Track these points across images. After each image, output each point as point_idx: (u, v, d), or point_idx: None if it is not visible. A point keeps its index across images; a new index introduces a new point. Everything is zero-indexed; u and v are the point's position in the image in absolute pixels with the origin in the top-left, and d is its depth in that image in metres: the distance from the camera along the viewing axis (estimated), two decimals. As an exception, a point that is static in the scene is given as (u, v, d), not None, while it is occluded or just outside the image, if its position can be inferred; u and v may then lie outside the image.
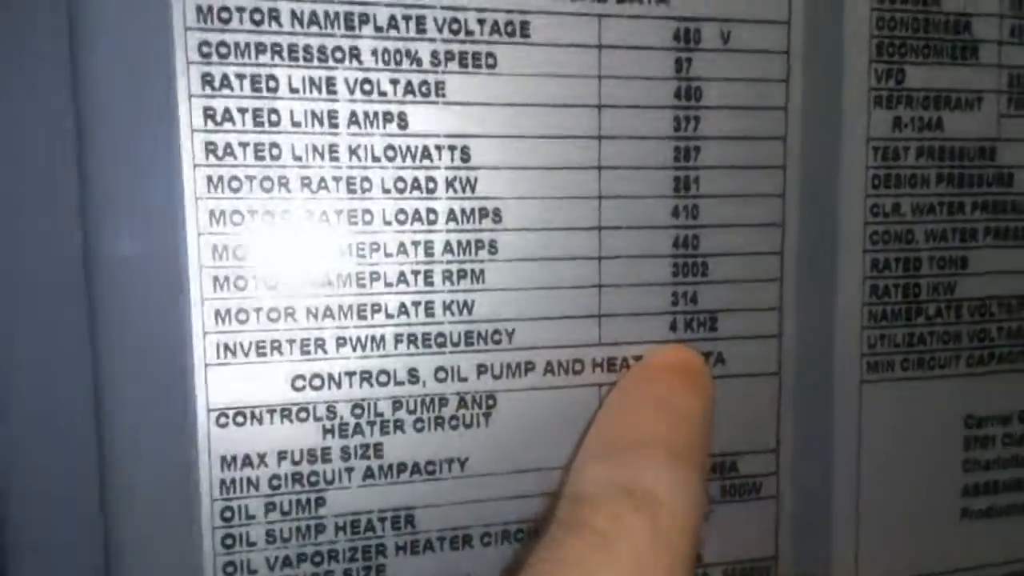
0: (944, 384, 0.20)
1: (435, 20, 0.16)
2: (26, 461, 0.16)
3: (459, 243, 0.17)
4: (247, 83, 0.16)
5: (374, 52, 0.16)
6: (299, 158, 0.16)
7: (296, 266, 0.16)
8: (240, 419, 0.16)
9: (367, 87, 0.16)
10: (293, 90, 0.16)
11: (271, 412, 0.16)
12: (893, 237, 0.20)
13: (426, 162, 0.17)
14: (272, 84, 0.16)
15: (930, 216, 0.20)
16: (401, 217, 0.17)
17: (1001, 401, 0.21)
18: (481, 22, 0.17)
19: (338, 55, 0.16)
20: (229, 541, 0.16)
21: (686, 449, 0.15)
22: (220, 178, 0.16)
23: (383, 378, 0.17)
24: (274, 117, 0.16)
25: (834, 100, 0.19)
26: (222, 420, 0.16)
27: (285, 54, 0.16)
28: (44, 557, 0.16)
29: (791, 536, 0.20)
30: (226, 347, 0.16)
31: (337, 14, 0.16)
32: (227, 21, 0.15)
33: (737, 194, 0.18)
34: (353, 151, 0.16)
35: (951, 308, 0.20)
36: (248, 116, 0.16)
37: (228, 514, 0.16)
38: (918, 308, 0.20)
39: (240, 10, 0.15)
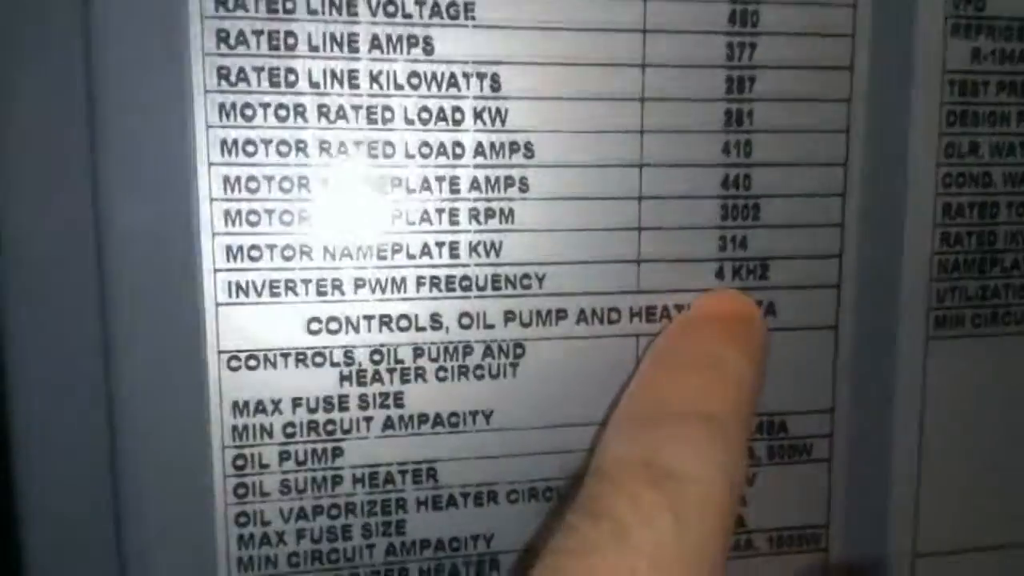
0: (1020, 341, 0.18)
1: (462, -68, 0.15)
2: (35, 409, 0.15)
3: (487, 179, 0.16)
4: (262, 4, 0.14)
5: (395, -34, 0.15)
6: (316, 84, 0.15)
7: (312, 201, 0.15)
8: (253, 363, 0.15)
9: (390, 8, 0.15)
10: (311, 11, 0.15)
11: (285, 356, 0.15)
12: (968, 180, 0.18)
13: (453, 91, 0.15)
14: (289, 5, 0.15)
15: (1010, 158, 0.18)
16: (425, 150, 0.15)
17: (1084, 364, 0.19)
18: (508, -65, 0.15)
19: (356, -32, 0.15)
20: (242, 490, 0.15)
21: (726, 414, 0.14)
22: (233, 105, 0.15)
23: (404, 323, 0.16)
24: (290, 40, 0.15)
25: (906, 27, 0.17)
26: (233, 363, 0.15)
27: (298, -33, 0.15)
28: (54, 509, 0.15)
29: (844, 503, 0.18)
30: (238, 286, 0.15)
31: (355, -75, 0.15)
32: (237, -67, 0.14)
33: (795, 129, 0.17)
34: (374, 78, 0.15)
35: (1032, 260, 0.18)
36: (263, 39, 0.15)
37: (240, 462, 0.15)
38: (993, 258, 0.18)
39: (251, -80, 0.14)
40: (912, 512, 0.18)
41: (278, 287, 0.15)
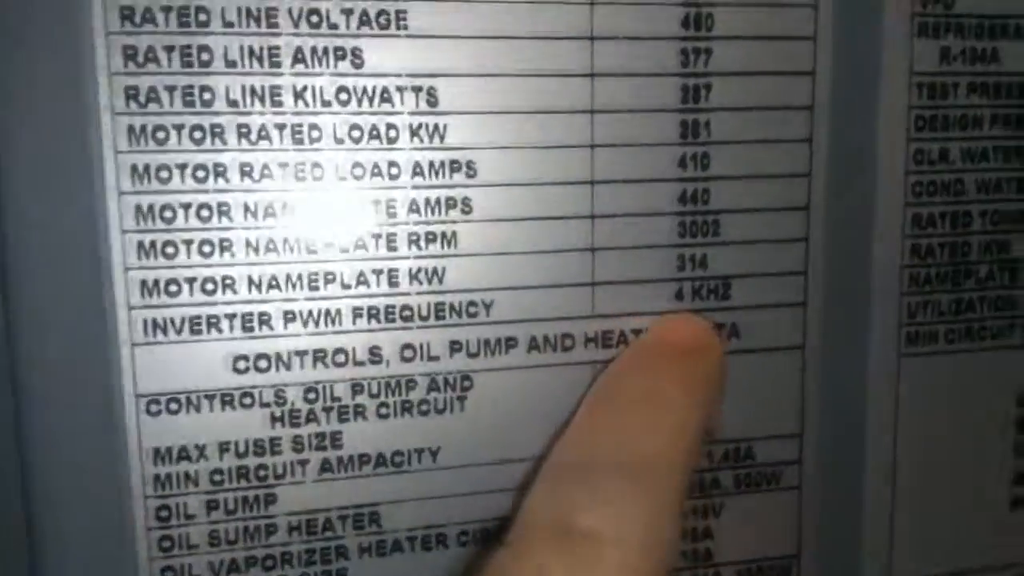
0: (995, 357, 0.17)
1: (392, -65, 0.14)
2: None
3: (426, 201, 0.15)
4: (172, 17, 0.13)
5: (318, -28, 0.14)
6: (235, 103, 0.14)
7: (234, 229, 0.14)
8: (174, 406, 0.14)
9: (314, 18, 0.14)
10: (227, 24, 0.13)
11: (210, 398, 0.14)
12: (939, 188, 0.17)
13: (386, 106, 0.14)
14: (202, 17, 0.13)
15: (983, 164, 0.17)
16: (357, 171, 0.14)
17: (1061, 377, 0.18)
18: (445, -63, 0.14)
19: (277, -23, 0.13)
20: (167, 544, 0.14)
21: (660, 462, 0.13)
22: (143, 128, 0.13)
23: (340, 358, 0.15)
24: (204, 56, 0.13)
25: (872, 28, 0.16)
26: (153, 408, 0.14)
27: (211, -26, 0.13)
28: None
29: (815, 532, 0.17)
30: (155, 323, 0.14)
31: (273, -71, 0.13)
32: None
33: (755, 140, 0.16)
34: (299, 94, 0.14)
35: (1005, 270, 0.17)
36: (175, 55, 0.13)
37: (164, 513, 0.14)
38: (967, 270, 0.17)
39: (155, -73, 0.13)
40: (886, 538, 0.17)
41: (199, 323, 0.14)
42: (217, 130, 0.14)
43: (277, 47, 0.14)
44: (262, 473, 0.14)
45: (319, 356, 0.14)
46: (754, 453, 0.17)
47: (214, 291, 0.14)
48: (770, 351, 0.16)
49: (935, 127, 0.16)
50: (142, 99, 0.13)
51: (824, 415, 0.17)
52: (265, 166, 0.14)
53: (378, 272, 0.15)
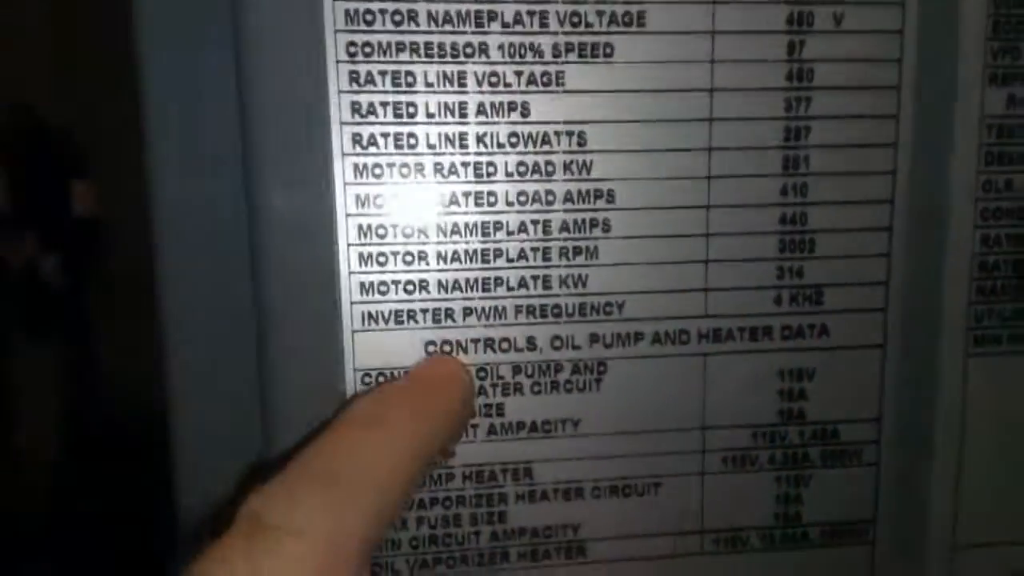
0: (1054, 359, 0.20)
1: (557, 14, 0.17)
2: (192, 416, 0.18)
3: (575, 222, 0.18)
4: (388, 79, 0.17)
5: (500, 47, 0.17)
6: (432, 146, 0.18)
7: (429, 243, 0.18)
8: (382, 379, 0.18)
9: (494, 79, 0.18)
10: (428, 84, 0.17)
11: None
12: (1005, 213, 0.19)
13: (545, 147, 0.18)
14: (410, 80, 0.17)
15: (1046, 192, 0.19)
16: (522, 199, 0.18)
17: (1115, 377, 0.20)
18: (600, 14, 0.17)
19: (468, 50, 0.17)
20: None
21: (369, 473, 0.14)
22: (365, 165, 0.17)
23: (504, 345, 0.18)
24: (411, 109, 0.17)
25: (948, 78, 0.19)
26: (366, 380, 0.18)
27: (421, 51, 0.17)
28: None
29: (889, 502, 0.20)
30: (370, 316, 0.18)
31: (468, 12, 0.17)
32: (371, 23, 0.17)
33: (847, 172, 0.19)
34: (480, 139, 0.18)
35: (1065, 284, 0.20)
36: (389, 109, 0.17)
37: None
38: (1029, 284, 0.20)
39: (383, 12, 0.17)
40: (951, 513, 0.20)
41: (401, 316, 0.18)
42: (419, 167, 0.17)
43: (465, 102, 0.17)
44: (444, 434, 0.18)
45: (489, 343, 0.18)
46: (839, 433, 0.20)
47: (413, 292, 0.18)
48: (855, 348, 0.19)
49: (1003, 161, 0.19)
50: (364, 143, 0.17)
51: (900, 404, 0.20)
52: (453, 194, 0.18)
53: (535, 278, 0.18)
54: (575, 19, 0.17)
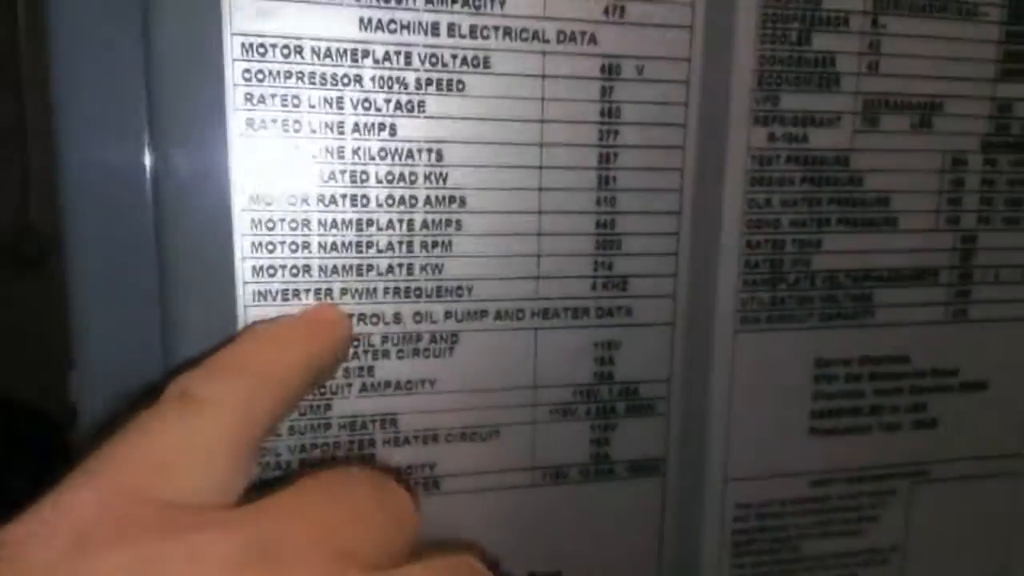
0: (799, 334, 0.26)
1: (419, 54, 0.22)
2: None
3: (433, 221, 0.22)
4: (278, 100, 0.21)
5: (372, 78, 0.21)
6: (315, 156, 0.21)
7: (312, 235, 0.22)
8: (271, 346, 0.22)
9: (367, 104, 0.21)
10: (311, 106, 0.21)
11: (293, 342, 0.22)
12: (764, 224, 0.25)
13: (410, 160, 0.22)
14: (296, 102, 0.21)
15: (793, 208, 0.25)
16: (390, 201, 0.22)
17: (844, 348, 0.27)
18: (454, 56, 0.22)
19: (345, 80, 0.21)
20: (262, 433, 0.22)
21: (260, 373, 0.17)
22: (259, 170, 0.21)
23: (375, 319, 0.22)
24: (297, 126, 0.21)
25: (722, 119, 0.24)
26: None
27: (306, 79, 0.21)
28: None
29: (677, 444, 0.26)
30: (260, 294, 0.21)
31: (345, 49, 0.21)
32: (263, 54, 0.20)
33: (646, 188, 0.24)
34: (355, 151, 0.22)
35: (807, 278, 0.26)
36: (278, 125, 0.21)
37: (262, 414, 0.22)
38: (781, 277, 0.26)
39: (273, 46, 0.20)
40: (723, 451, 0.26)
41: (287, 294, 0.22)
42: (303, 173, 0.21)
43: (343, 122, 0.21)
44: (322, 390, 0.22)
45: (362, 317, 0.22)
46: (639, 391, 0.25)
47: (297, 274, 0.22)
48: (652, 325, 0.25)
49: (763, 183, 0.25)
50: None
51: (685, 368, 0.25)
52: (332, 196, 0.22)
53: (401, 265, 0.22)
54: (434, 59, 0.22)
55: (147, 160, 0.21)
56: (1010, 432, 0.29)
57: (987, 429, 0.29)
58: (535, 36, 0.22)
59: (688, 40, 0.23)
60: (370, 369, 0.23)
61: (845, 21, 0.25)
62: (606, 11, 0.23)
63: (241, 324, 0.21)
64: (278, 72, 0.21)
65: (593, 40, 0.23)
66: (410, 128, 0.22)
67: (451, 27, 0.22)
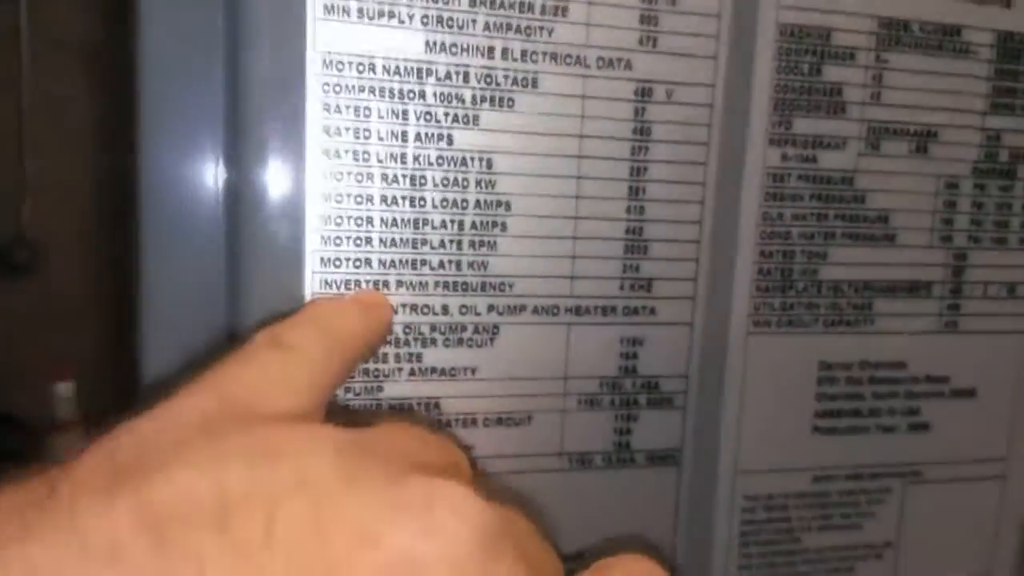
0: (805, 338, 0.29)
1: (475, 74, 0.25)
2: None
3: (481, 222, 0.25)
4: (351, 111, 0.24)
5: (435, 94, 0.24)
6: (381, 161, 0.24)
7: (373, 231, 0.24)
8: (333, 331, 0.24)
9: (428, 116, 0.24)
10: (380, 116, 0.24)
11: (353, 327, 0.25)
12: (777, 235, 0.28)
13: (463, 167, 0.25)
14: (367, 112, 0.24)
15: (803, 222, 0.28)
16: (444, 203, 0.25)
17: (846, 353, 0.30)
18: (506, 76, 0.25)
19: (411, 95, 0.24)
20: (321, 410, 0.25)
21: (334, 334, 0.20)
22: (331, 171, 0.24)
23: (425, 310, 0.25)
24: (367, 133, 0.24)
25: (742, 139, 0.27)
26: (321, 330, 0.24)
27: (377, 92, 0.24)
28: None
29: (693, 435, 0.28)
30: (326, 282, 0.24)
31: (411, 67, 0.24)
32: (341, 69, 0.23)
33: (672, 200, 0.27)
34: (416, 158, 0.24)
35: (814, 286, 0.29)
36: (350, 131, 0.24)
37: (322, 392, 0.25)
38: (791, 285, 0.29)
39: (350, 63, 0.23)
40: (735, 444, 0.29)
41: (350, 285, 0.24)
42: (370, 175, 0.24)
43: (407, 131, 0.24)
44: (376, 373, 0.25)
45: (414, 308, 0.25)
46: (659, 385, 0.28)
47: (360, 267, 0.24)
48: (673, 324, 0.28)
49: (777, 198, 0.28)
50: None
51: (702, 365, 0.28)
52: (393, 197, 0.24)
53: (451, 261, 0.25)
54: (488, 79, 0.25)
55: (225, 164, 0.24)
56: (997, 437, 0.32)
57: (976, 434, 0.32)
58: (578, 61, 0.25)
59: (713, 69, 0.26)
60: (419, 356, 0.25)
61: (852, 55, 0.28)
62: (640, 41, 0.26)
63: (307, 309, 0.24)
64: (352, 86, 0.24)
65: (629, 66, 0.26)
66: (465, 139, 0.25)
67: (504, 51, 0.25)
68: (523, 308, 0.26)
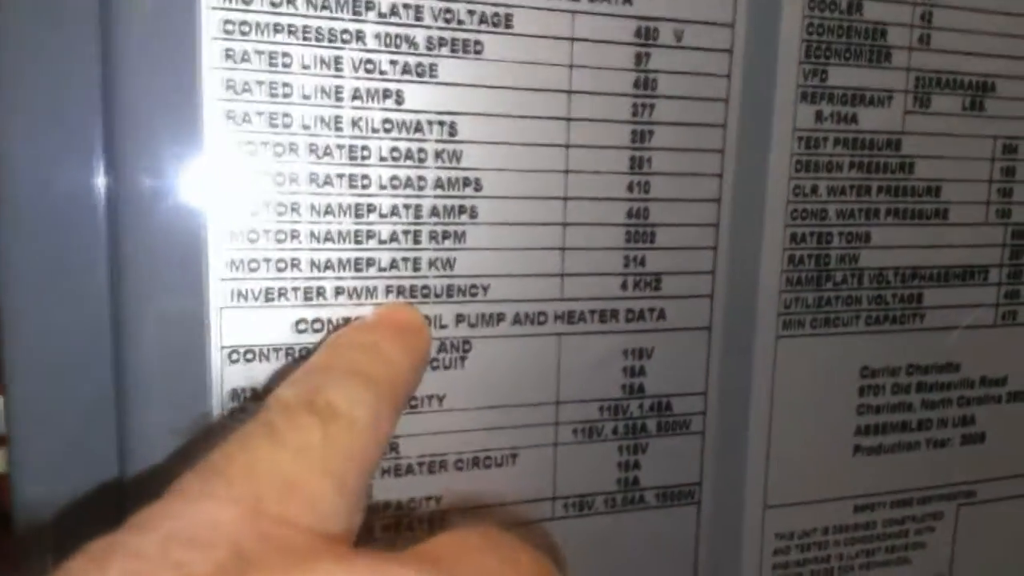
0: (845, 340, 0.25)
1: (431, 9, 0.19)
2: (43, 402, 0.18)
3: (444, 207, 0.20)
4: (264, 58, 0.18)
5: (376, 35, 0.19)
6: (307, 127, 0.19)
7: (301, 222, 0.19)
8: (249, 356, 0.19)
9: (369, 66, 0.19)
10: (304, 66, 0.19)
11: (276, 351, 0.19)
12: (810, 214, 0.24)
13: (418, 135, 0.20)
14: (286, 60, 0.18)
15: (842, 197, 0.24)
16: (395, 183, 0.20)
17: (892, 356, 0.25)
18: (471, 12, 0.20)
19: (345, 36, 0.19)
20: (238, 462, 0.19)
21: (381, 384, 0.16)
22: (236, 140, 0.18)
23: (375, 324, 0.20)
24: (287, 90, 0.18)
25: (767, 94, 0.23)
26: (233, 357, 0.19)
27: (299, 33, 0.18)
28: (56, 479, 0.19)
29: (713, 465, 0.24)
30: (238, 293, 0.19)
31: (345, 0, 0.19)
32: (248, 2, 0.18)
33: (683, 173, 0.22)
34: (355, 123, 0.19)
35: (855, 276, 0.24)
36: (264, 88, 0.18)
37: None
38: (827, 275, 0.24)
39: (260, -7, 0.18)
40: (763, 473, 0.24)
41: (272, 294, 0.19)
42: (293, 147, 0.19)
43: (341, 86, 0.19)
44: (312, 410, 0.20)
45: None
46: (672, 406, 0.23)
47: (284, 269, 0.19)
48: (686, 330, 0.23)
49: (809, 169, 0.23)
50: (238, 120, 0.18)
51: (723, 379, 0.23)
52: (327, 175, 0.19)
53: (406, 259, 0.20)
54: (448, 15, 0.19)
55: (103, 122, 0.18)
56: (1060, 446, 0.28)
57: (1037, 443, 0.28)
58: (563, -8, 0.20)
59: (732, 3, 0.22)
60: (368, 383, 0.20)
61: (898, -11, 0.23)
62: (642, -33, 0.21)
63: (214, 330, 0.19)
64: (264, 24, 0.18)
65: (628, 0, 0.21)
66: (419, 96, 0.19)
67: (468, -22, 0.19)
68: (501, 317, 0.21)
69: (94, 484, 0.19)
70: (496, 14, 0.20)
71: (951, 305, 0.26)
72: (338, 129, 0.19)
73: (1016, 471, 0.28)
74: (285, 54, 0.18)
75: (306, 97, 0.19)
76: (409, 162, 0.20)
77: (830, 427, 0.25)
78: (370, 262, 0.20)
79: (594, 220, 0.21)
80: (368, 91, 0.19)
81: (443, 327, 0.20)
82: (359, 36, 0.19)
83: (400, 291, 0.20)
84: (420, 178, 0.20)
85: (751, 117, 0.22)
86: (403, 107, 0.19)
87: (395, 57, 0.19)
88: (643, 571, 0.24)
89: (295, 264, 0.19)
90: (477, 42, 0.20)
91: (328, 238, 0.19)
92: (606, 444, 0.23)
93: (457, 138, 0.20)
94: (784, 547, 0.25)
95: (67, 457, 0.19)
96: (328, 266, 0.19)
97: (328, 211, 0.19)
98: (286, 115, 0.19)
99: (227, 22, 0.18)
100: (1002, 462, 0.28)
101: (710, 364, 0.23)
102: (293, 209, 0.19)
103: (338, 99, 0.19)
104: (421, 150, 0.20)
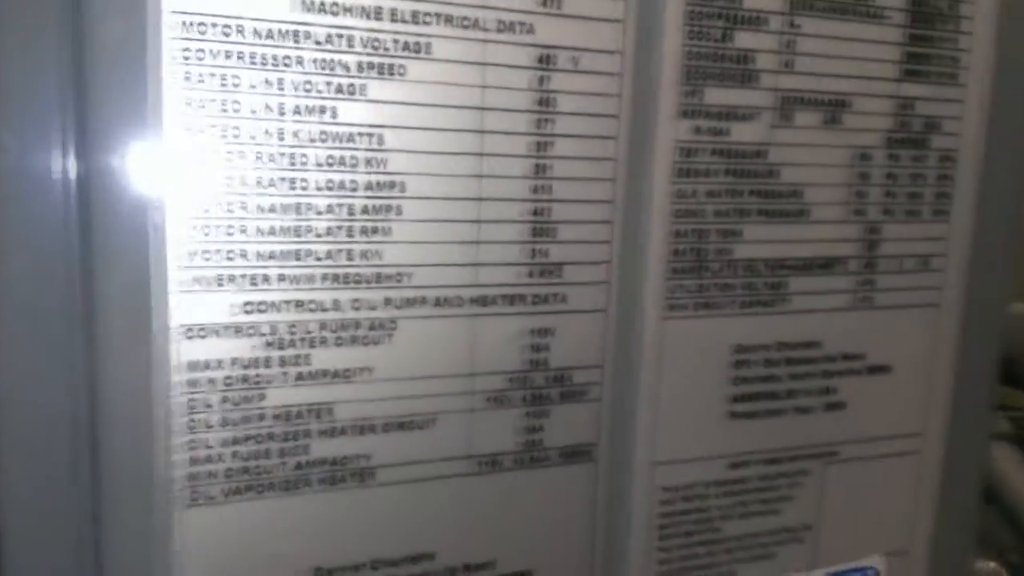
0: (721, 321, 0.29)
1: (360, 38, 0.23)
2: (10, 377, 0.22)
3: (373, 206, 0.24)
4: (216, 80, 0.22)
5: (314, 60, 0.23)
6: (253, 137, 0.23)
7: (248, 218, 0.23)
8: (203, 333, 0.23)
9: (308, 86, 0.23)
10: (251, 86, 0.22)
11: (226, 329, 0.23)
12: (690, 213, 0.28)
13: (350, 144, 0.24)
14: (235, 81, 0.22)
15: (717, 199, 0.29)
16: (330, 185, 0.24)
17: (762, 334, 0.30)
18: (395, 41, 0.24)
19: (287, 61, 0.22)
20: (192, 423, 0.23)
21: None
22: (193, 149, 0.22)
23: (312, 306, 0.24)
24: (236, 106, 0.22)
25: (652, 111, 0.27)
26: (189, 335, 0.23)
27: (246, 59, 0.22)
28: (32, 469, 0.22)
29: (608, 428, 0.28)
30: (194, 279, 0.22)
31: (287, 30, 0.22)
32: (203, 32, 0.22)
33: (580, 177, 0.27)
34: (295, 134, 0.23)
35: (730, 266, 0.29)
36: (216, 104, 0.22)
37: (193, 403, 0.23)
38: (706, 266, 0.29)
39: (214, 24, 0.22)
40: (651, 435, 0.29)
41: (222, 279, 0.23)
42: (241, 154, 0.22)
43: (283, 103, 0.23)
44: (257, 379, 0.23)
45: (299, 304, 0.24)
46: (572, 377, 0.28)
47: (233, 258, 0.23)
48: (586, 312, 0.27)
49: (689, 175, 0.28)
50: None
51: (616, 354, 0.28)
52: (271, 179, 0.23)
53: (340, 250, 0.24)
54: (376, 43, 0.23)
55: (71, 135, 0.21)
56: (912, 412, 0.34)
57: (891, 409, 0.33)
58: (475, 24, 0.24)
59: (621, 34, 0.26)
60: (307, 357, 0.24)
61: (764, 20, 0.28)
62: (543, 2, 0.25)
63: (173, 309, 0.22)
64: (217, 51, 0.22)
65: (531, 30, 0.25)
66: (350, 112, 0.23)
67: (392, 12, 0.23)
68: (422, 300, 0.25)
69: (65, 445, 0.22)
70: (417, 42, 0.24)
71: (814, 291, 0.31)
72: (280, 139, 0.23)
73: (874, 434, 0.33)
74: (235, 76, 0.22)
75: (253, 112, 0.22)
76: (342, 167, 0.24)
77: (709, 395, 0.30)
78: (308, 253, 0.24)
79: (504, 218, 0.26)
80: (307, 107, 0.23)
81: (372, 309, 0.25)
82: (299, 61, 0.23)
83: (335, 278, 0.24)
84: (352, 181, 0.24)
85: (638, 131, 0.27)
86: (337, 121, 0.23)
87: (330, 79, 0.23)
88: (548, 521, 0.28)
89: (243, 254, 0.23)
90: (401, 66, 0.24)
91: (271, 232, 0.23)
92: (515, 410, 0.27)
93: (384, 147, 0.24)
94: (669, 499, 0.30)
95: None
96: (272, 256, 0.23)
97: (272, 209, 0.23)
98: (235, 128, 0.22)
99: (185, 49, 0.21)
100: (862, 426, 0.33)
101: (606, 341, 0.28)
102: (242, 207, 0.23)
103: (281, 114, 0.23)
104: (352, 157, 0.24)
